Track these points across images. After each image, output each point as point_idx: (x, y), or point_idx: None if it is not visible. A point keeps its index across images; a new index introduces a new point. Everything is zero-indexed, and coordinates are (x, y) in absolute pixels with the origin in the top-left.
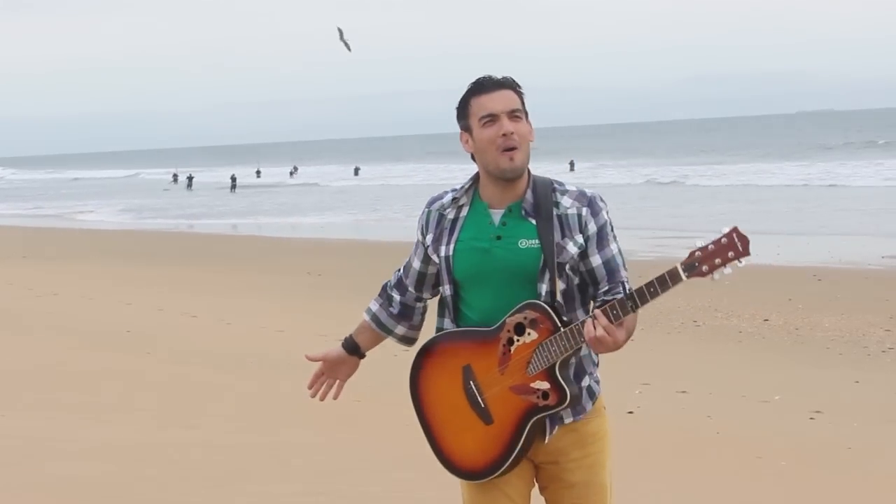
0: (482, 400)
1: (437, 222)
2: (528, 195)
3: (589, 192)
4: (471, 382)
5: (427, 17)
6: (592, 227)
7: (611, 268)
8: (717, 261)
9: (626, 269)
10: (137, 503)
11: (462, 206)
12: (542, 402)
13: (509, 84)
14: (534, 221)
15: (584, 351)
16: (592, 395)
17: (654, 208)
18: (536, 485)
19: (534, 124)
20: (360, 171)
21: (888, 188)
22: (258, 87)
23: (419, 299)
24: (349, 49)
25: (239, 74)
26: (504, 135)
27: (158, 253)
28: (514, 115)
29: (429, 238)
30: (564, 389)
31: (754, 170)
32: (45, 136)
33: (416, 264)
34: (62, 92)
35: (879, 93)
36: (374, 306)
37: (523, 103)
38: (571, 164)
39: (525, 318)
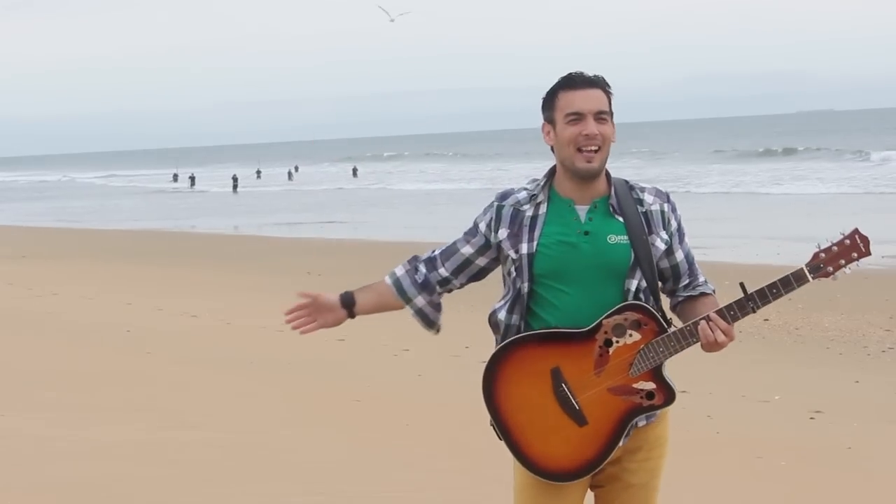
0: (576, 402)
1: (513, 217)
2: (613, 193)
3: (663, 189)
4: (562, 385)
5: (426, 17)
6: (674, 223)
7: (690, 261)
8: (842, 261)
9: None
10: (137, 503)
11: (540, 202)
12: (646, 403)
13: (600, 83)
14: (621, 219)
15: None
16: None
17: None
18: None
19: (532, 125)
20: (357, 172)
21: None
22: (258, 87)
23: (446, 282)
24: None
25: (239, 74)
26: (587, 135)
27: (158, 253)
28: (600, 116)
29: (502, 233)
30: (672, 388)
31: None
32: (44, 137)
33: (467, 251)
34: (62, 92)
35: (879, 93)
36: (400, 271)
37: (610, 104)
38: None
39: (626, 319)
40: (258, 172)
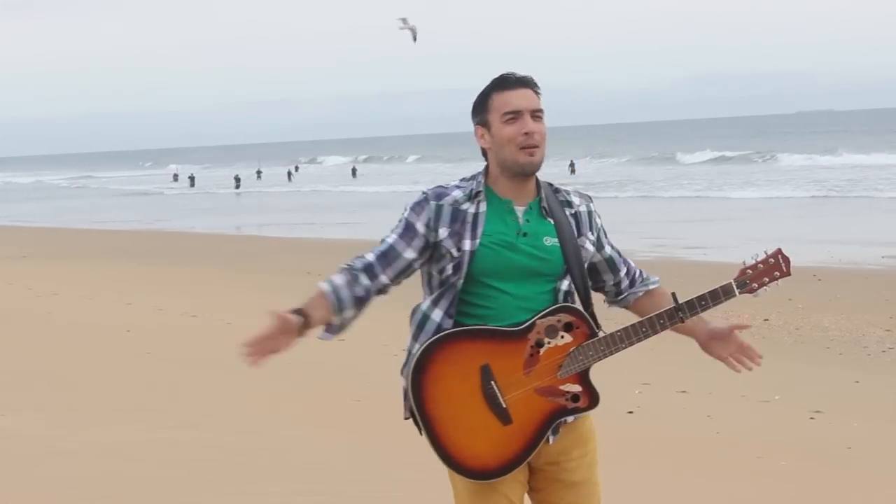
0: (503, 400)
1: (454, 216)
2: (543, 195)
3: (582, 190)
4: (491, 382)
5: (426, 16)
6: (599, 221)
7: (619, 252)
8: (766, 279)
9: None
10: (137, 503)
11: (480, 201)
12: (571, 405)
13: (531, 83)
14: (552, 221)
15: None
16: None
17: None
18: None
19: None
20: (356, 173)
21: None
22: (258, 87)
23: (385, 289)
24: (414, 38)
25: (239, 74)
26: (526, 133)
27: (158, 253)
28: (535, 114)
29: (443, 232)
30: (596, 392)
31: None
32: (44, 137)
33: (410, 254)
34: (62, 92)
35: (879, 93)
36: (339, 280)
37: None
38: (571, 165)
39: (559, 320)
40: (258, 173)
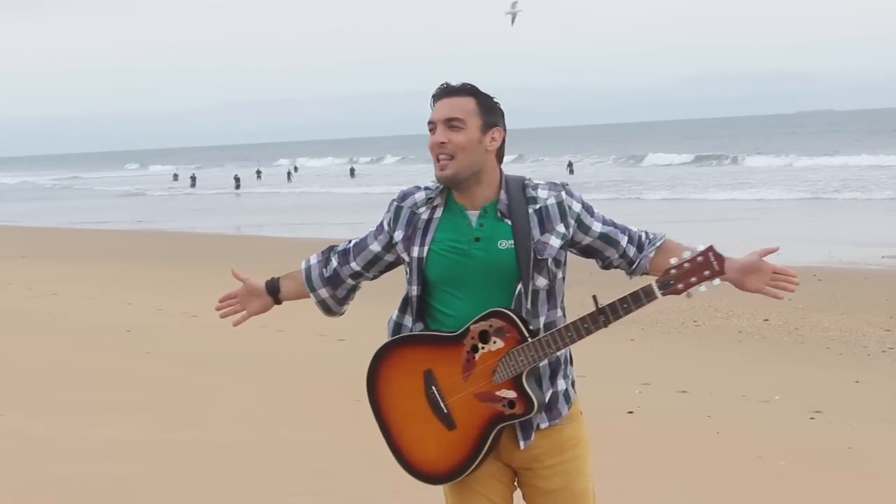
0: (445, 405)
1: (409, 220)
2: (503, 196)
3: (557, 180)
4: (433, 387)
5: (426, 16)
6: (577, 206)
7: (612, 223)
8: (693, 279)
9: None
10: (137, 503)
11: (436, 206)
12: (507, 411)
13: (461, 91)
14: (509, 222)
15: (560, 351)
16: (568, 399)
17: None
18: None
19: (534, 124)
20: (355, 173)
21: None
22: (258, 87)
23: (358, 276)
24: (512, 21)
25: (239, 74)
26: (434, 143)
27: (158, 253)
28: (450, 123)
29: (398, 234)
30: (531, 399)
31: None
32: (44, 137)
33: (376, 247)
34: (62, 92)
35: (879, 93)
36: (313, 260)
37: (484, 110)
38: (570, 165)
39: (490, 325)
40: (258, 172)
